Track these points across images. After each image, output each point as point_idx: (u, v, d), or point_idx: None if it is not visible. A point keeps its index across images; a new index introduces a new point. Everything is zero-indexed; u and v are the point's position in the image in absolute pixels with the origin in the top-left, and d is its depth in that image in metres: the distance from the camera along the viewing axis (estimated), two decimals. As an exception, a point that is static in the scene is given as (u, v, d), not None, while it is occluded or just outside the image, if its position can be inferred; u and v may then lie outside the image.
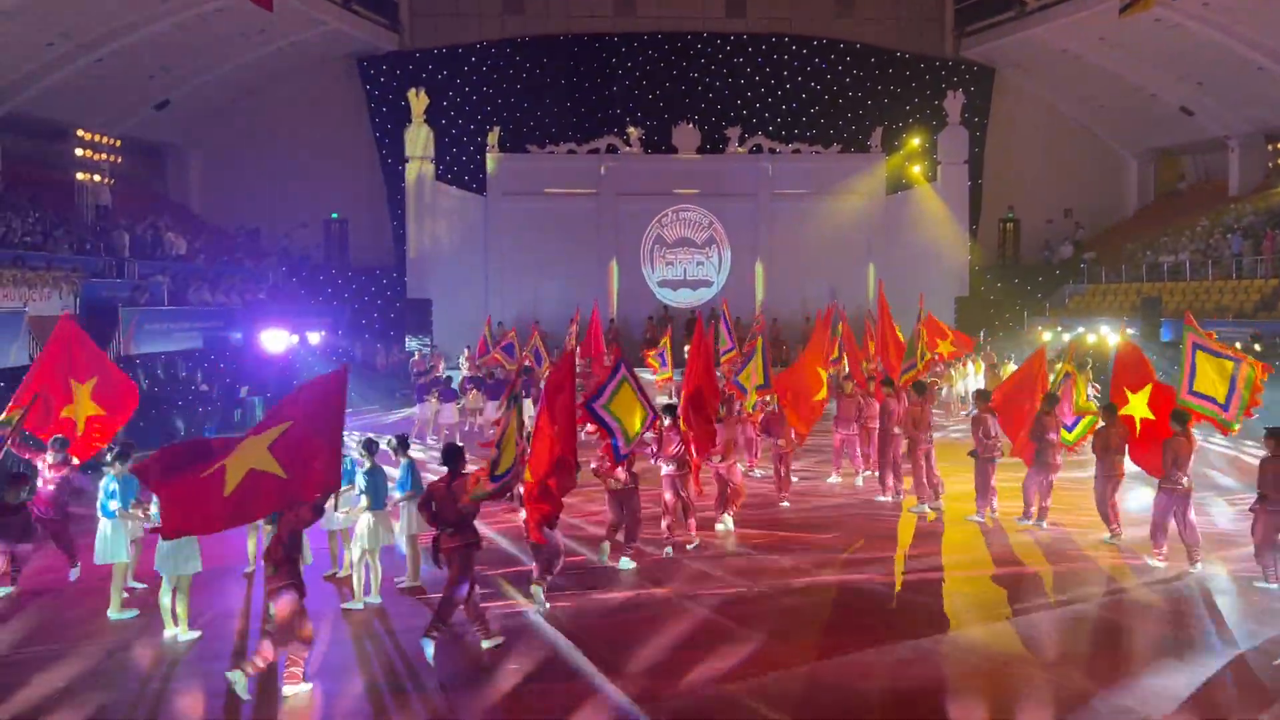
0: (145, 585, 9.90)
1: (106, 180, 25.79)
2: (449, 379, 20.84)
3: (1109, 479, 11.66)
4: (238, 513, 7.36)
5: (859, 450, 15.41)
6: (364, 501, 9.53)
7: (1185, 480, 10.52)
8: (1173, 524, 10.64)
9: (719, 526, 12.34)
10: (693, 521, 11.55)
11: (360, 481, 9.60)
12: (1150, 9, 24.96)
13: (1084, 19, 27.51)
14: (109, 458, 9.35)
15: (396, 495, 9.97)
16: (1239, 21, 25.01)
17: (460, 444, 9.78)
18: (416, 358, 25.67)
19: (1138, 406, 11.58)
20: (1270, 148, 30.45)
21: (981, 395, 13.43)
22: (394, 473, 10.23)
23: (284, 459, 7.26)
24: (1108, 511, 11.70)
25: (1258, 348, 20.81)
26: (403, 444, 10.29)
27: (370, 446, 9.80)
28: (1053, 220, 34.17)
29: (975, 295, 30.86)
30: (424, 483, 9.62)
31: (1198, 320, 12.32)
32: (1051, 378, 13.30)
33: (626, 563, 10.70)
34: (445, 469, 8.51)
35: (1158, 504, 10.74)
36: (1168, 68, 28.59)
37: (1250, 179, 30.27)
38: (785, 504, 13.79)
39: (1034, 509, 12.47)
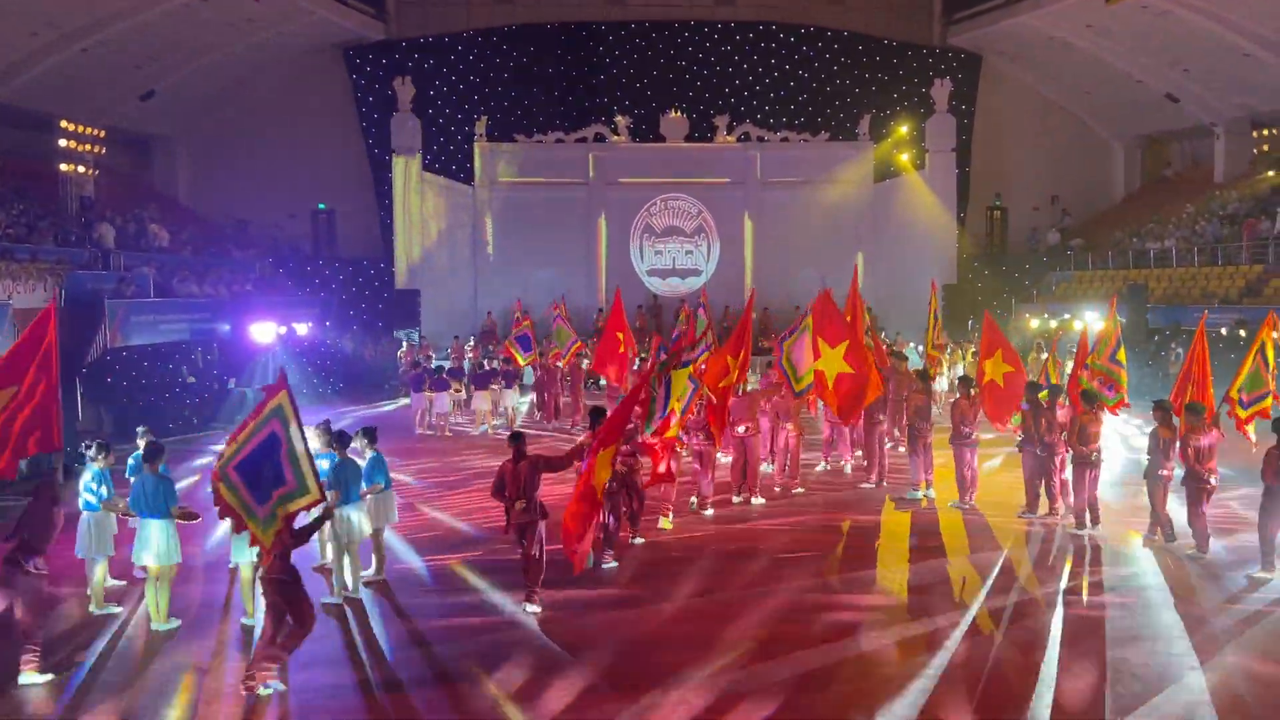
0: (125, 582, 9.89)
1: (91, 172, 25.68)
2: (441, 369, 20.89)
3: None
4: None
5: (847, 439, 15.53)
6: (331, 496, 9.31)
7: (1095, 455, 11.33)
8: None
9: (755, 501, 13.03)
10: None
11: (329, 475, 9.40)
12: (1137, -5, 25.02)
13: (1071, 6, 27.48)
14: (90, 451, 9.32)
15: (364, 487, 9.74)
16: (1225, 8, 25.05)
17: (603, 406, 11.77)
18: (405, 348, 25.64)
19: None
20: (1255, 134, 30.56)
21: (965, 381, 13.51)
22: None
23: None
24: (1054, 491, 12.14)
25: (1242, 333, 20.95)
26: (370, 436, 10.09)
27: (341, 439, 9.64)
28: (1040, 207, 34.25)
29: (963, 283, 30.91)
30: (390, 475, 9.98)
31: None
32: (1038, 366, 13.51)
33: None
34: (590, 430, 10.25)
35: (1075, 478, 11.52)
36: (1154, 54, 28.64)
37: (1236, 165, 30.36)
38: (799, 490, 13.94)
39: (1037, 500, 12.38)
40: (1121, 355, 12.52)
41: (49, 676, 7.56)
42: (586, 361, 21.17)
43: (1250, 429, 11.26)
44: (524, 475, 8.99)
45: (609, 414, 9.79)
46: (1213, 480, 10.46)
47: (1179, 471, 10.75)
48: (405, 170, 28.87)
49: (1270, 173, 28.14)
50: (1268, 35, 25.44)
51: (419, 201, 29.31)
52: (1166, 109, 30.89)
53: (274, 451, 7.18)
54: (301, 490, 7.18)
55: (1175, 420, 10.91)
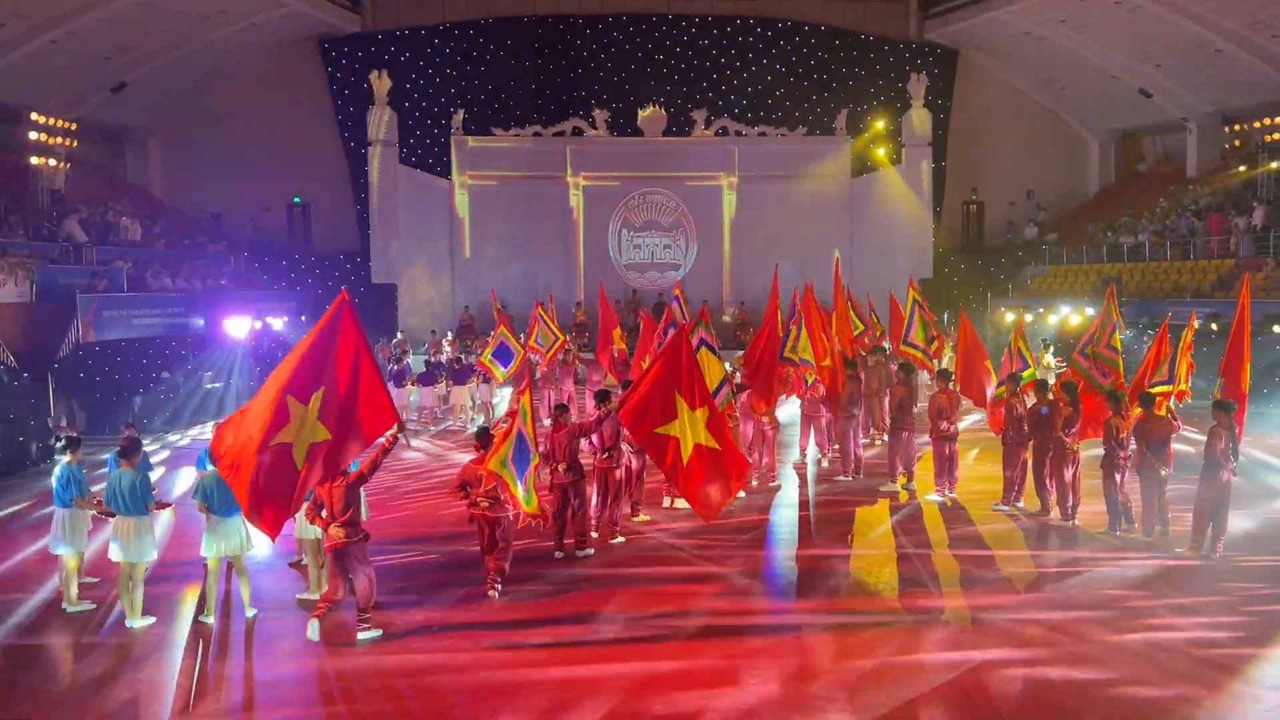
0: (96, 579, 9.79)
1: (62, 165, 25.33)
2: (428, 363, 20.86)
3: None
4: None
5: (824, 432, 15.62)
6: None
7: (1074, 445, 11.53)
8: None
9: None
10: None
11: None
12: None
13: (1046, 1, 27.67)
14: (59, 447, 9.23)
15: None
16: (1196, 3, 25.29)
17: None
18: (381, 343, 25.47)
19: None
20: (1226, 129, 30.89)
21: (942, 375, 13.58)
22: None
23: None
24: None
25: (1214, 327, 21.20)
26: None
27: None
28: (1015, 202, 34.50)
29: (939, 277, 31.05)
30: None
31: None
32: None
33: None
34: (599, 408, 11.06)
35: (1050, 467, 11.77)
36: (1127, 50, 28.89)
37: (1207, 160, 30.68)
38: (775, 483, 14.05)
39: (1015, 490, 12.45)
40: (1116, 341, 12.71)
41: (380, 632, 8.30)
42: (565, 355, 21.01)
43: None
44: (564, 442, 10.38)
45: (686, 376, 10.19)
46: (1163, 471, 10.66)
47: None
48: (381, 164, 28.66)
49: (1241, 167, 28.46)
50: (1239, 31, 25.72)
51: (395, 195, 29.11)
52: (1140, 104, 31.18)
53: (522, 439, 9.03)
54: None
55: (1133, 409, 11.09)
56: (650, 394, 9.90)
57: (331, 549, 8.20)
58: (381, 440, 8.35)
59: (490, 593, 9.10)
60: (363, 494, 8.68)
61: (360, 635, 8.23)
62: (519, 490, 8.81)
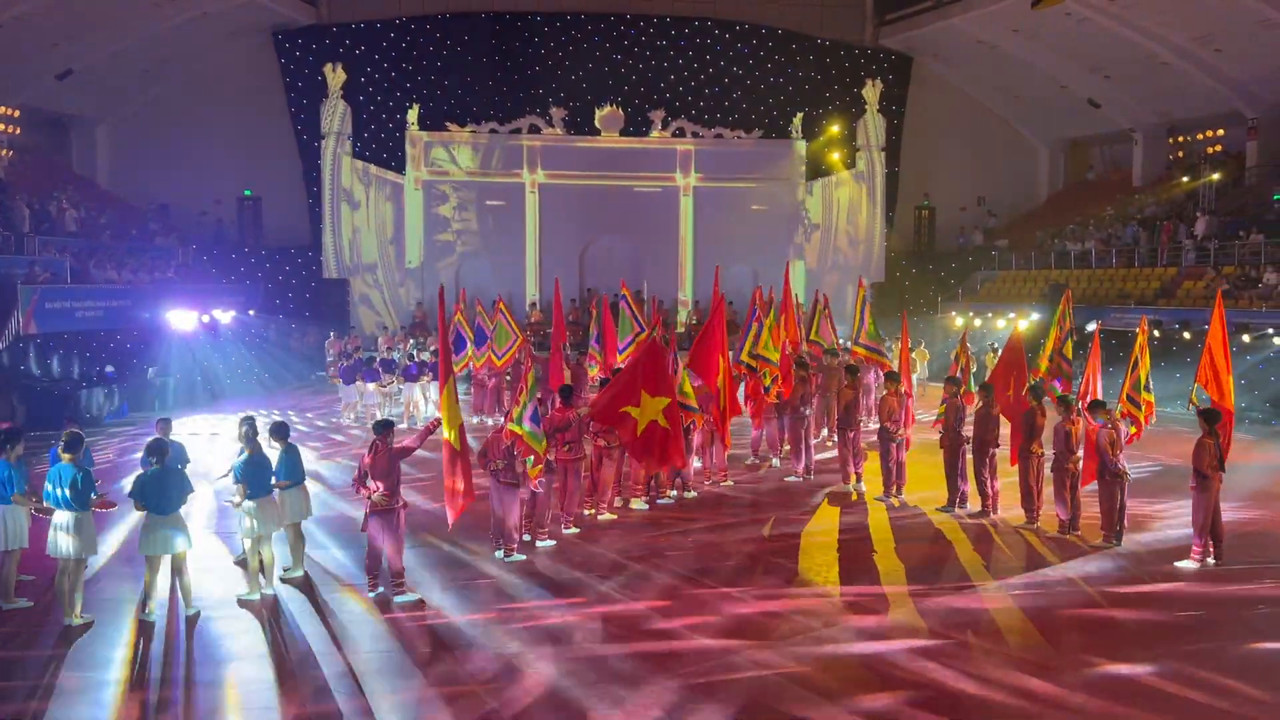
0: (33, 577, 9.57)
1: (5, 152, 24.75)
2: (371, 359, 20.65)
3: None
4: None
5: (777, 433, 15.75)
6: (240, 491, 9.21)
7: (1039, 449, 11.66)
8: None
9: (688, 494, 13.22)
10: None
11: (237, 469, 9.25)
12: (1061, 2, 25.65)
13: (999, 10, 28.07)
14: (-1, 442, 9.01)
15: (282, 482, 9.58)
16: (1144, 17, 25.83)
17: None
18: (332, 339, 25.22)
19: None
20: (1171, 140, 31.60)
21: (891, 378, 13.74)
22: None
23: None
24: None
25: (1156, 334, 21.68)
26: (279, 433, 9.82)
27: (251, 436, 9.44)
28: (967, 208, 34.99)
29: (891, 281, 31.43)
30: (303, 471, 9.92)
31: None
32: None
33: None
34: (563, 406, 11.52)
35: (1019, 473, 11.85)
36: (1077, 60, 29.44)
37: (1152, 170, 31.38)
38: (730, 483, 14.18)
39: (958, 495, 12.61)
40: (1068, 350, 12.97)
41: (418, 595, 9.08)
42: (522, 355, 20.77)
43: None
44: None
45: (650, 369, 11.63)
46: (1124, 478, 10.81)
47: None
48: (334, 158, 28.35)
49: (1185, 178, 29.11)
50: (1184, 45, 26.32)
51: (348, 189, 28.83)
52: (1088, 114, 31.79)
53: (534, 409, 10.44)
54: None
55: (1079, 414, 11.27)
56: (619, 388, 11.57)
57: (373, 512, 9.07)
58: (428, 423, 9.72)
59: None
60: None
61: (396, 599, 8.95)
62: (539, 444, 10.26)
